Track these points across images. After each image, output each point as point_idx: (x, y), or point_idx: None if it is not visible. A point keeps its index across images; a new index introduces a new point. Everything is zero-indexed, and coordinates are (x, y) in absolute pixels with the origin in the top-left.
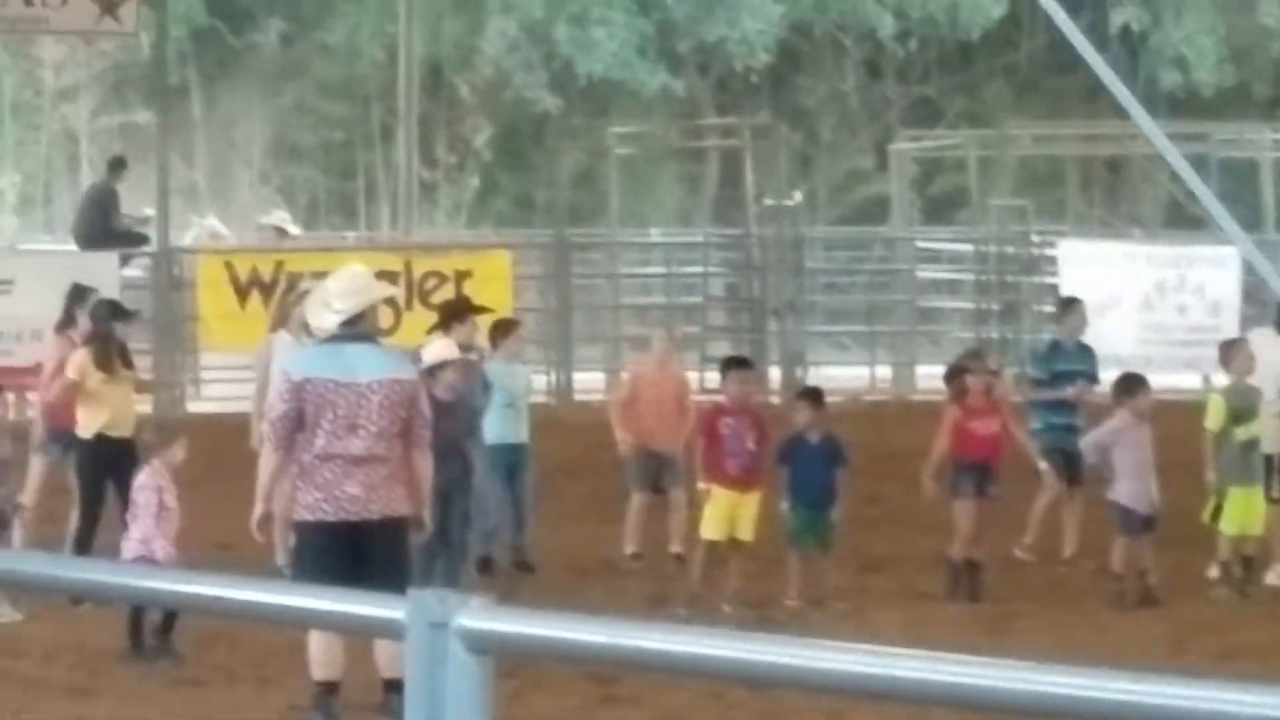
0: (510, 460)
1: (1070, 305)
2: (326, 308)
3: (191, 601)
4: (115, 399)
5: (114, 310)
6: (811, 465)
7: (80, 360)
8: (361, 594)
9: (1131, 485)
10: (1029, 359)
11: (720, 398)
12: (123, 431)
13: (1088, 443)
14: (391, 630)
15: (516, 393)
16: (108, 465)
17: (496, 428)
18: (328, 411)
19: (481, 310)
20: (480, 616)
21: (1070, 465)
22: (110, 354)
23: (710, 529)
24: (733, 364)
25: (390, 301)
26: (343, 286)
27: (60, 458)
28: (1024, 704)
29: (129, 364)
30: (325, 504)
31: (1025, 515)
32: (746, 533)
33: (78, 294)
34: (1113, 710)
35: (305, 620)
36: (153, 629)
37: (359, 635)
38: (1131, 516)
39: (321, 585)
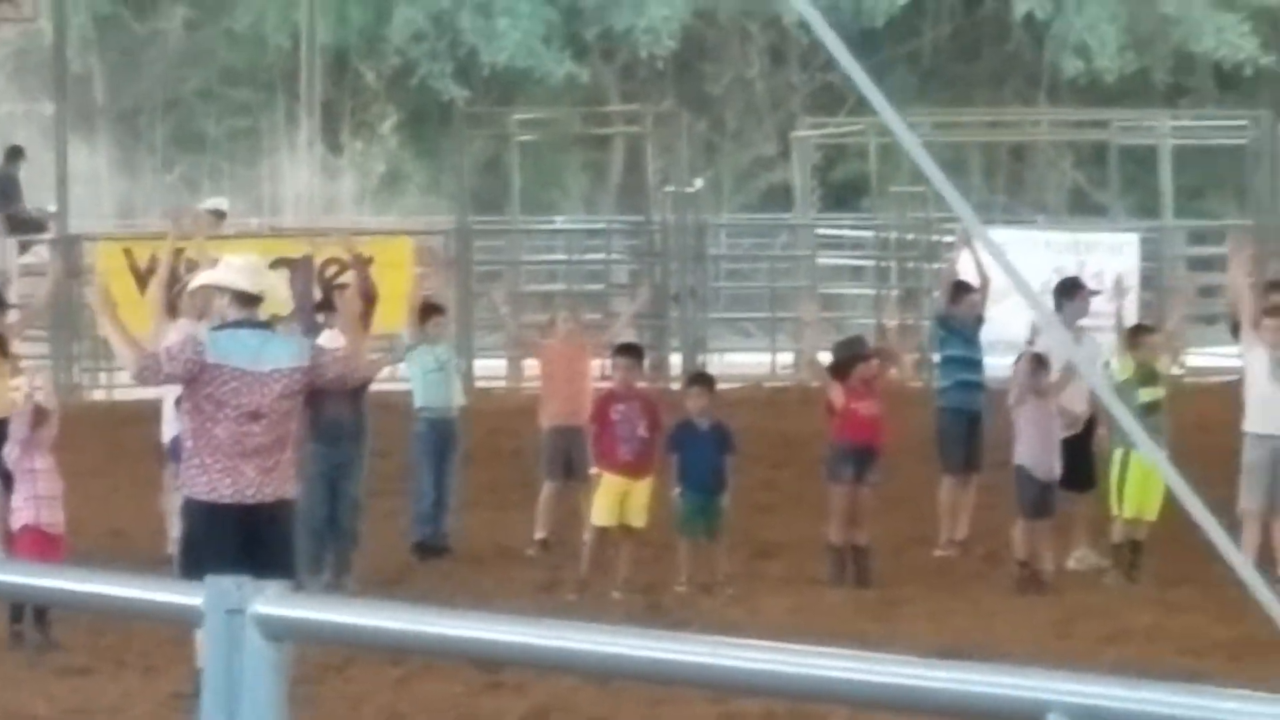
0: (441, 435)
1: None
2: (229, 270)
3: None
4: None
5: None
6: (701, 451)
7: None
8: (161, 581)
9: (1033, 449)
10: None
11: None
12: None
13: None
14: (191, 617)
15: (443, 358)
16: None
17: (427, 393)
18: (231, 399)
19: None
20: (276, 603)
21: (969, 445)
22: None
23: (600, 515)
24: (620, 351)
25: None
26: (248, 264)
27: None
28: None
29: (5, 352)
30: (223, 485)
31: (910, 498)
32: (638, 519)
33: None
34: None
35: (107, 607)
36: (29, 619)
37: (160, 623)
38: (1030, 483)
39: (211, 566)
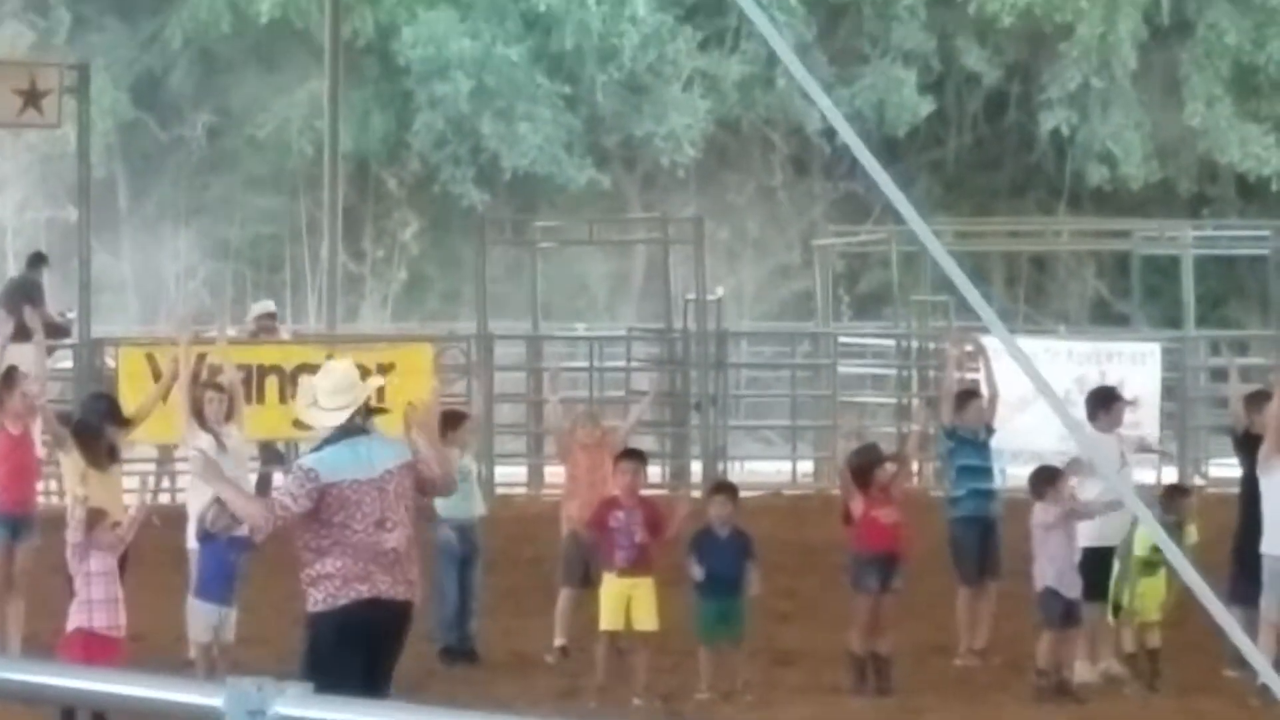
0: (465, 542)
1: (965, 397)
2: (317, 406)
3: (20, 689)
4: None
5: (112, 409)
6: (721, 558)
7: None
8: (181, 681)
9: (1060, 569)
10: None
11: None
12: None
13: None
14: (211, 718)
15: (465, 469)
16: None
17: (449, 503)
18: (356, 511)
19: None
20: (295, 704)
21: (984, 552)
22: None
23: (606, 620)
24: (623, 456)
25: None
26: (331, 384)
27: (9, 541)
28: None
29: (115, 458)
30: (360, 587)
31: (931, 606)
32: (648, 622)
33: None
34: None
35: (126, 708)
36: None
37: None
38: (1058, 601)
39: (340, 678)
